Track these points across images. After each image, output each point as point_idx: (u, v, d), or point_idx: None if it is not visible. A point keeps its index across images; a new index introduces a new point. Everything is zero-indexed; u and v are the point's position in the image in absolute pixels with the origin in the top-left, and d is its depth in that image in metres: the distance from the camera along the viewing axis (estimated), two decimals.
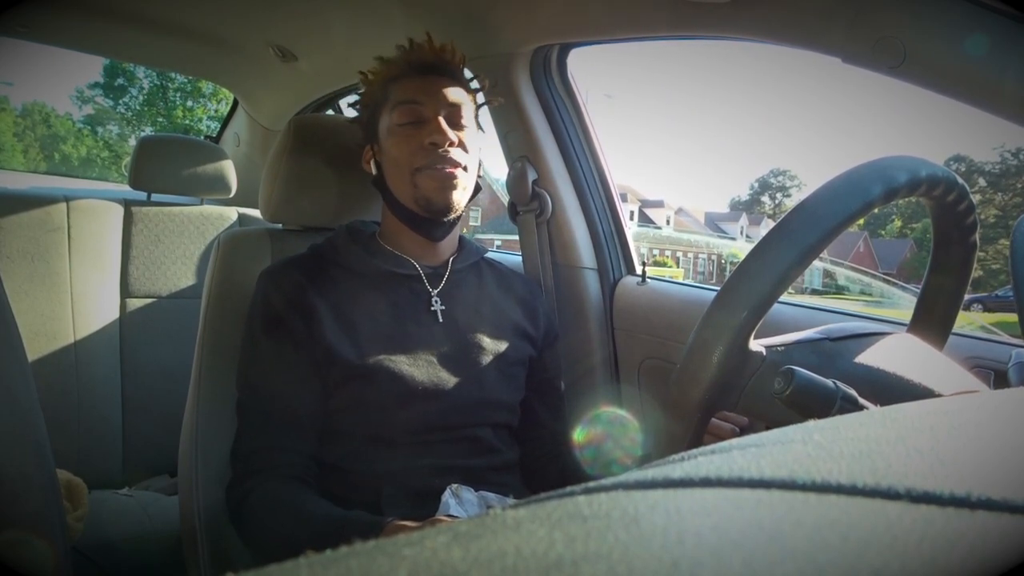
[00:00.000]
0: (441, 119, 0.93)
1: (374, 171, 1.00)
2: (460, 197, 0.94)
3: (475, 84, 1.04)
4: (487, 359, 0.97)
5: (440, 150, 0.92)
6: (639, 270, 1.47)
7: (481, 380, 0.95)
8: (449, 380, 0.92)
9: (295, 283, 0.93)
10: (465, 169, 0.94)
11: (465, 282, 1.02)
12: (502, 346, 0.99)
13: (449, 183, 0.92)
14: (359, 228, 1.01)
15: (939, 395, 0.57)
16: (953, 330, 0.71)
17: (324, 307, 0.91)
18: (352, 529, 0.78)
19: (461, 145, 0.94)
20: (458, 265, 1.01)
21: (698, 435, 0.57)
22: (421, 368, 0.91)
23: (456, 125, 0.95)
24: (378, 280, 0.96)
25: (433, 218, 0.95)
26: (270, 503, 0.85)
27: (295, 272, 0.94)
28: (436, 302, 0.97)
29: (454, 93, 0.96)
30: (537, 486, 1.00)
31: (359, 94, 1.03)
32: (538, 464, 1.04)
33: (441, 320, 0.96)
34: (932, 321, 0.70)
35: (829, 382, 0.52)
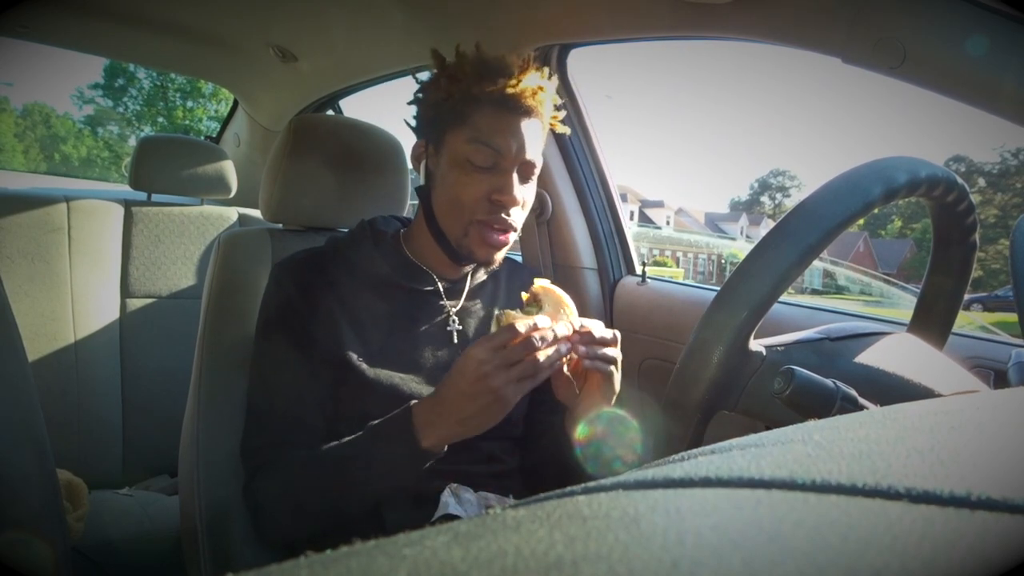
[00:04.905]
0: (515, 176, 0.87)
1: (423, 178, 0.93)
2: (501, 256, 0.92)
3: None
4: None
5: (503, 213, 0.87)
6: (639, 270, 1.47)
7: None
8: None
9: (311, 280, 0.91)
10: (516, 229, 0.90)
11: (482, 294, 1.00)
12: None
13: (497, 247, 0.89)
14: (381, 229, 0.98)
15: (939, 395, 0.57)
16: (953, 330, 0.71)
17: (340, 310, 0.90)
18: (380, 439, 0.78)
19: (523, 204, 0.90)
20: (477, 278, 0.99)
21: (698, 435, 0.57)
22: (430, 388, 0.89)
23: (526, 178, 0.90)
24: (396, 289, 0.94)
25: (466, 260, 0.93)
26: (285, 471, 0.84)
27: (312, 269, 0.92)
28: (454, 322, 0.95)
29: (534, 148, 0.88)
30: (537, 486, 1.00)
31: (426, 80, 0.93)
32: (539, 465, 1.04)
33: (456, 340, 0.95)
34: (932, 321, 0.70)
35: (829, 382, 0.52)
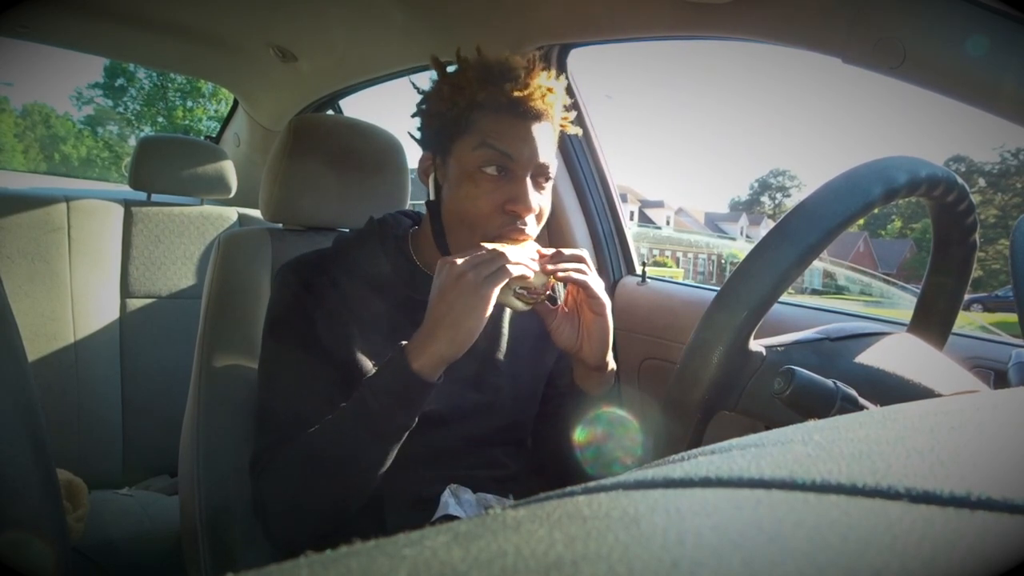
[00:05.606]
0: (528, 182, 0.81)
1: (432, 192, 0.88)
2: None
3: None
4: (506, 384, 0.93)
5: (518, 223, 0.82)
6: (639, 270, 1.47)
7: (499, 406, 0.92)
8: (465, 408, 0.89)
9: (318, 281, 0.90)
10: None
11: None
12: (521, 368, 0.96)
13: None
14: (392, 233, 0.95)
15: (939, 395, 0.57)
16: (953, 330, 0.71)
17: (346, 311, 0.89)
18: (376, 373, 0.77)
19: (539, 214, 0.85)
20: None
21: (698, 435, 0.57)
22: (440, 399, 0.86)
23: (540, 185, 0.84)
24: (401, 295, 0.92)
25: None
26: (289, 454, 0.82)
27: (318, 270, 0.91)
28: None
29: (547, 151, 0.83)
30: (539, 489, 0.99)
31: (428, 90, 0.89)
32: (542, 468, 1.03)
33: None
34: (932, 321, 0.70)
35: (829, 382, 0.52)
